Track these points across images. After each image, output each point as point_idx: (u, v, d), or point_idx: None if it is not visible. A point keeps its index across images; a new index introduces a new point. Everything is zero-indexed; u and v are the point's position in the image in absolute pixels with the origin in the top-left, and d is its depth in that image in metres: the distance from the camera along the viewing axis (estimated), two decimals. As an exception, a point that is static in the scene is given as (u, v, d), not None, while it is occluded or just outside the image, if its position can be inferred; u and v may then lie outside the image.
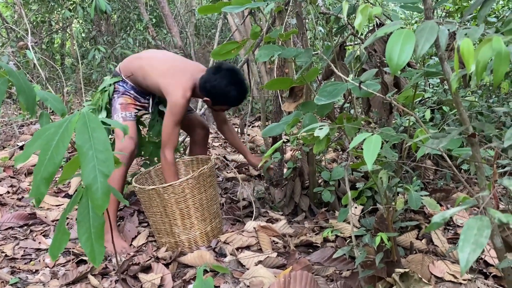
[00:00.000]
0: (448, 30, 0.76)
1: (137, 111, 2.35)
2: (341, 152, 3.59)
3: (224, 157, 3.64)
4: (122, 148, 2.21)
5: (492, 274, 1.77)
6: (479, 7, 1.00)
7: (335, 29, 2.14)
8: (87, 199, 0.89)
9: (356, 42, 3.02)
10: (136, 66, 2.28)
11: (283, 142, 2.94)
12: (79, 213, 0.91)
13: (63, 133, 0.80)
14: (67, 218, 2.58)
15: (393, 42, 0.74)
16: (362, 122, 1.51)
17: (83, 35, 7.58)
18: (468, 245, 0.55)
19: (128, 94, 2.32)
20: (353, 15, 2.20)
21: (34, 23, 6.12)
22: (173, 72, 2.21)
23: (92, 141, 0.81)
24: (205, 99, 2.23)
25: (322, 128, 1.01)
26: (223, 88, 2.15)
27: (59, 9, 5.97)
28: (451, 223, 2.27)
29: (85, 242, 0.89)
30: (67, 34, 7.36)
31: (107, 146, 0.84)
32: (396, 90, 1.90)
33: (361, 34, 1.95)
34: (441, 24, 0.77)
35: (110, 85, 2.35)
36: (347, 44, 2.25)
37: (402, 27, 0.75)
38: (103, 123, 0.92)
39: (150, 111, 2.43)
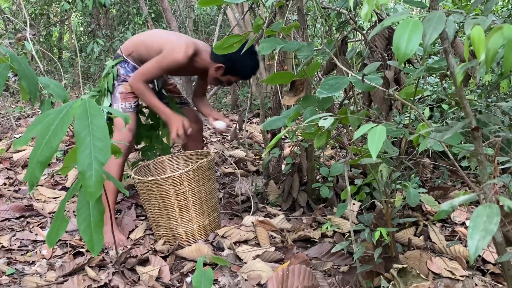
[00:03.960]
0: (455, 21, 0.76)
1: (136, 100, 2.30)
2: (339, 150, 3.59)
3: (222, 152, 3.63)
4: (120, 140, 2.18)
5: (489, 271, 1.78)
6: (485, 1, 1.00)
7: (336, 25, 2.13)
8: (87, 186, 0.88)
9: (357, 39, 3.01)
10: (137, 42, 2.26)
11: (282, 139, 2.93)
12: (79, 201, 0.90)
13: (62, 118, 0.79)
14: (64, 211, 2.57)
15: (401, 31, 0.73)
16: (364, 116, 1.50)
17: (82, 28, 7.54)
18: (477, 232, 0.55)
19: (129, 79, 2.25)
20: (355, 10, 2.19)
21: (33, 15, 6.08)
22: (177, 36, 2.21)
23: (91, 127, 0.80)
24: (218, 65, 2.19)
25: (326, 119, 1.01)
26: (243, 56, 2.09)
27: (58, 2, 5.93)
28: (449, 221, 2.28)
29: (84, 230, 0.88)
30: (65, 27, 7.32)
31: (106, 134, 0.82)
32: (396, 87, 1.89)
33: (363, 29, 1.95)
34: (448, 14, 0.76)
35: (113, 67, 2.30)
36: (348, 40, 2.25)
37: (409, 17, 0.74)
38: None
39: (157, 89, 2.41)
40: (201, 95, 2.59)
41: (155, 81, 2.37)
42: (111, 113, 2.26)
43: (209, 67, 2.26)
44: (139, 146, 2.82)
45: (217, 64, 2.20)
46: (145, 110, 2.65)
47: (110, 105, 2.30)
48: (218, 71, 2.23)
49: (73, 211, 2.58)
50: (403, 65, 1.79)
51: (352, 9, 1.92)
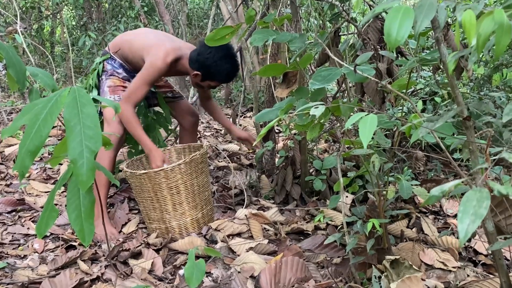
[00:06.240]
0: (447, 6, 0.75)
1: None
2: (332, 143, 3.60)
3: (216, 146, 3.62)
4: (110, 132, 2.18)
5: (481, 262, 1.79)
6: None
7: (329, 17, 2.13)
8: (77, 176, 0.87)
9: (350, 32, 3.01)
10: (123, 40, 2.26)
11: (276, 132, 2.93)
12: (69, 191, 0.89)
13: (52, 107, 0.78)
14: (56, 204, 2.55)
15: (392, 18, 0.73)
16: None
17: (74, 22, 7.47)
18: (467, 216, 0.55)
19: (116, 74, 2.27)
20: (348, 2, 2.19)
21: (24, 9, 6.01)
22: (159, 38, 2.18)
23: (81, 115, 0.79)
24: (195, 73, 2.15)
25: (317, 107, 1.01)
26: (217, 61, 2.09)
27: (49, -5, 5.87)
28: (441, 213, 2.29)
29: (75, 220, 0.87)
30: (57, 21, 7.25)
31: (96, 122, 0.81)
32: (388, 79, 1.89)
33: (356, 21, 1.94)
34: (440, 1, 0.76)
35: (100, 63, 2.31)
36: (341, 33, 2.24)
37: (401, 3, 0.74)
38: (94, 100, 0.90)
39: None
40: (207, 99, 2.55)
41: None
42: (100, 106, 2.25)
43: (189, 73, 2.23)
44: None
45: (194, 71, 2.16)
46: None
47: None
48: (196, 78, 2.19)
49: (65, 205, 2.56)
50: (395, 55, 1.78)
51: (341, 2, 1.92)
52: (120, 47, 2.25)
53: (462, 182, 0.72)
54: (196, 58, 2.13)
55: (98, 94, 2.31)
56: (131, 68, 2.30)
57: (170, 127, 2.71)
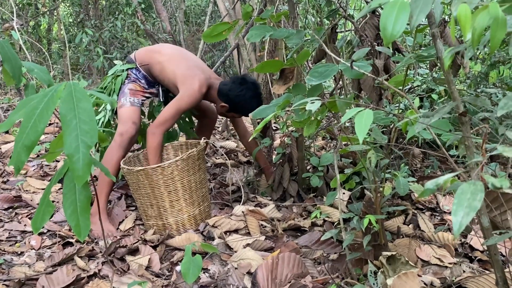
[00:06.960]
0: (443, 2, 0.76)
1: (144, 98, 2.37)
2: (329, 140, 3.60)
3: (213, 143, 3.62)
4: (123, 132, 2.21)
5: (477, 258, 1.80)
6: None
7: (326, 13, 2.13)
8: (73, 171, 0.87)
9: (347, 29, 3.01)
10: (154, 61, 2.31)
11: (273, 129, 2.93)
12: (65, 186, 0.89)
13: (47, 102, 0.78)
14: (53, 201, 2.55)
15: (388, 12, 0.73)
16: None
17: (71, 19, 7.45)
18: (461, 209, 0.55)
19: (139, 82, 2.35)
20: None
21: (20, 5, 5.98)
22: (192, 69, 2.26)
23: (77, 110, 0.79)
24: (222, 105, 2.31)
25: (314, 102, 1.01)
26: (247, 100, 2.27)
27: (46, -8, 5.85)
28: (438, 210, 2.30)
29: (71, 215, 0.87)
30: (54, 18, 7.22)
31: (92, 117, 0.81)
32: (385, 76, 1.90)
33: (353, 18, 1.94)
34: (435, -4, 0.76)
35: (123, 71, 2.36)
36: (338, 29, 2.24)
37: (396, -1, 0.74)
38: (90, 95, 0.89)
39: (162, 100, 2.45)
40: (243, 132, 2.65)
41: (160, 90, 2.42)
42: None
43: (216, 102, 2.38)
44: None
45: (221, 102, 2.31)
46: (145, 110, 2.66)
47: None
48: (222, 108, 2.34)
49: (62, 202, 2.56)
50: (391, 50, 1.78)
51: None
52: (149, 63, 2.32)
53: (458, 176, 0.72)
54: (226, 92, 2.28)
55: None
56: (153, 81, 2.38)
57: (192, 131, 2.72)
